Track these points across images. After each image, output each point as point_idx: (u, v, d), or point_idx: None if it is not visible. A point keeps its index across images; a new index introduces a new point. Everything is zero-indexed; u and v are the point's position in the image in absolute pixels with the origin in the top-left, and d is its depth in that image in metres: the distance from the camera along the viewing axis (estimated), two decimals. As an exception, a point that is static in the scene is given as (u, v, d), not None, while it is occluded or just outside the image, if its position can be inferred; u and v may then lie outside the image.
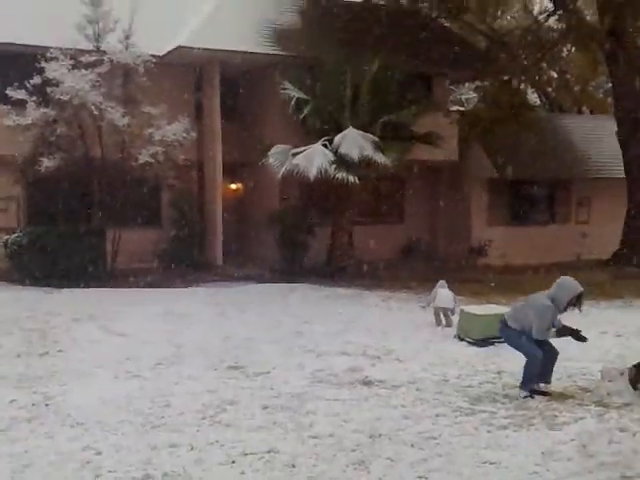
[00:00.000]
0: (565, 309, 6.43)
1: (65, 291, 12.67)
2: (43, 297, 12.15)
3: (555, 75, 27.78)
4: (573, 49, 24.07)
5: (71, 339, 8.72)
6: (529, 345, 6.51)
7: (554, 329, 6.46)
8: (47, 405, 6.02)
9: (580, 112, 28.02)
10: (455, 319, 9.55)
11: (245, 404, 6.18)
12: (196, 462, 4.82)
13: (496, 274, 15.72)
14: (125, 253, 14.66)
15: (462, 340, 8.93)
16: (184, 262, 15.31)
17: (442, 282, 10.09)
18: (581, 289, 6.43)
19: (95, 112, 13.78)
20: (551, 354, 6.58)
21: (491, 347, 8.52)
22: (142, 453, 4.94)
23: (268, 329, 9.59)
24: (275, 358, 7.89)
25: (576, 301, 6.41)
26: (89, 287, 12.95)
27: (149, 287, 13.52)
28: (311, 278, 14.55)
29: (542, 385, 6.61)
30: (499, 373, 7.33)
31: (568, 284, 6.47)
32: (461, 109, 22.08)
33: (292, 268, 15.58)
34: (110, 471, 4.62)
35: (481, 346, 8.58)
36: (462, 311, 9.26)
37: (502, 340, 8.41)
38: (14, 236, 14.14)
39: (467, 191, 19.02)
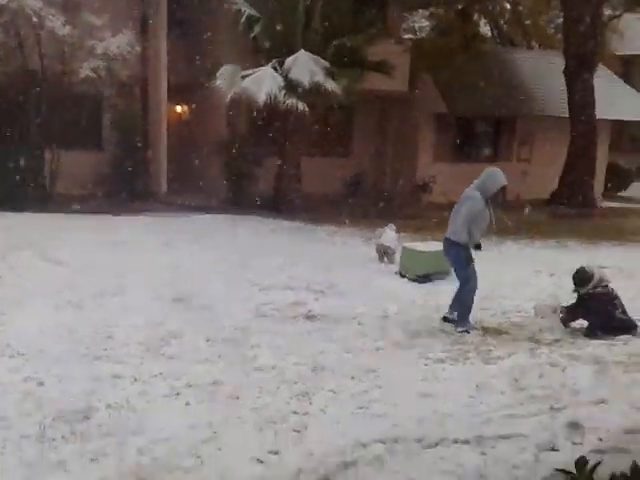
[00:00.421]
0: (488, 200, 6.69)
1: (0, 215, 12.22)
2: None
3: (508, 6, 27.53)
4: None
5: (8, 267, 8.47)
6: (470, 270, 6.74)
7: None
8: (-16, 335, 5.91)
9: (530, 47, 28.05)
10: (398, 257, 9.72)
11: (189, 337, 6.21)
12: (140, 394, 4.86)
13: (439, 211, 15.95)
14: (64, 177, 14.13)
15: (403, 277, 9.13)
16: (126, 189, 14.88)
17: (391, 225, 10.24)
18: (506, 182, 6.75)
19: (34, 19, 12.91)
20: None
21: (431, 283, 8.76)
22: (85, 384, 4.94)
23: (213, 261, 9.56)
24: (220, 291, 7.91)
25: (498, 194, 6.77)
26: (26, 211, 12.49)
27: (90, 214, 13.14)
28: (258, 210, 14.46)
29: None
30: (437, 308, 7.57)
31: (496, 174, 6.76)
32: (413, 37, 21.67)
33: (238, 199, 15.41)
34: (52, 402, 4.61)
35: (421, 282, 8.81)
36: (404, 248, 9.42)
37: (443, 277, 8.74)
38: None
39: (415, 125, 18.95)
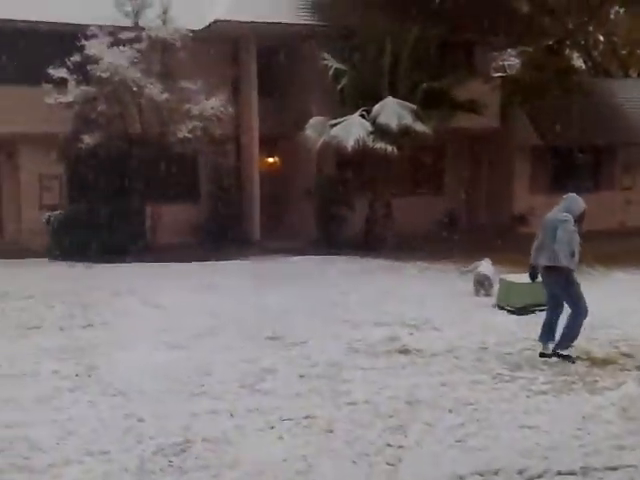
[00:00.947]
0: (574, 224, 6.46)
1: (106, 266, 12.92)
2: (84, 272, 12.43)
3: (601, 38, 26.82)
4: (621, 10, 23.16)
5: (112, 312, 8.90)
6: (579, 294, 6.42)
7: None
8: (90, 376, 6.16)
9: (627, 76, 27.08)
10: (495, 289, 9.41)
11: (283, 373, 6.23)
12: (235, 428, 4.88)
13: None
14: (164, 228, 14.88)
15: (502, 309, 8.82)
16: (222, 237, 15.43)
17: (487, 259, 10.02)
18: (585, 206, 6.65)
19: (134, 88, 13.87)
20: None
21: (531, 315, 8.39)
22: (182, 420, 5.02)
23: (305, 301, 9.62)
24: (312, 328, 7.91)
25: (583, 219, 6.59)
26: (129, 262, 13.16)
27: (187, 261, 13.68)
28: (348, 251, 14.52)
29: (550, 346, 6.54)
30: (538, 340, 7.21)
31: (577, 198, 6.69)
32: (503, 75, 21.55)
33: (329, 241, 15.56)
34: (151, 437, 4.71)
35: (520, 314, 8.46)
36: (502, 280, 9.12)
37: (542, 308, 8.33)
38: (56, 213, 14.48)
39: (509, 159, 18.65)
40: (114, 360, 6.62)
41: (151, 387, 5.81)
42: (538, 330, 7.55)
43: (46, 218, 14.53)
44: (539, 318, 8.14)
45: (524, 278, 9.02)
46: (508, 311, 8.67)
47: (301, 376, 6.14)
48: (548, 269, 6.59)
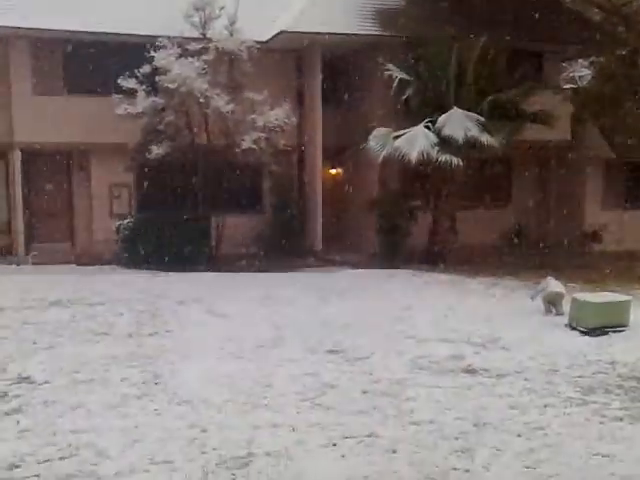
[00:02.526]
0: None
1: (172, 275, 13.17)
2: (151, 280, 12.69)
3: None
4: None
5: (178, 321, 9.04)
6: None
7: None
8: (156, 384, 6.24)
9: None
10: (566, 309, 9.07)
11: (345, 388, 6.16)
12: (297, 443, 4.84)
13: (611, 261, 14.85)
14: (228, 238, 15.06)
15: (574, 329, 8.48)
16: (284, 247, 15.51)
17: (551, 277, 9.67)
18: None
19: (201, 99, 14.12)
20: None
21: (604, 337, 8.05)
22: (245, 432, 5.02)
23: (367, 314, 9.53)
24: (375, 344, 7.81)
25: None
26: (194, 271, 13.39)
27: (251, 272, 13.81)
28: (412, 264, 14.34)
29: None
30: (612, 363, 6.93)
31: None
32: (574, 87, 20.96)
33: (392, 254, 15.40)
34: (215, 449, 4.72)
35: (594, 335, 8.12)
36: (574, 299, 8.78)
37: (616, 329, 8.00)
38: (125, 222, 14.89)
39: (580, 173, 18.05)
40: (180, 369, 6.70)
41: (215, 397, 5.84)
42: (612, 352, 7.27)
43: (116, 226, 14.95)
44: (613, 340, 7.85)
45: (598, 297, 8.74)
46: (580, 332, 8.33)
47: (364, 392, 6.06)
48: None
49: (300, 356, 7.26)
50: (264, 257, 15.21)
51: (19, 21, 14.65)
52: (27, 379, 6.29)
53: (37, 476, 4.23)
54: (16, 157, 15.64)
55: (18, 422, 5.15)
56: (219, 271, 13.70)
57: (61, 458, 4.50)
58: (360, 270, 14.04)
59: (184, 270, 13.38)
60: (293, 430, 5.10)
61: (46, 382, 6.20)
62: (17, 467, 4.36)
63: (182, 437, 4.94)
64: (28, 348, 7.44)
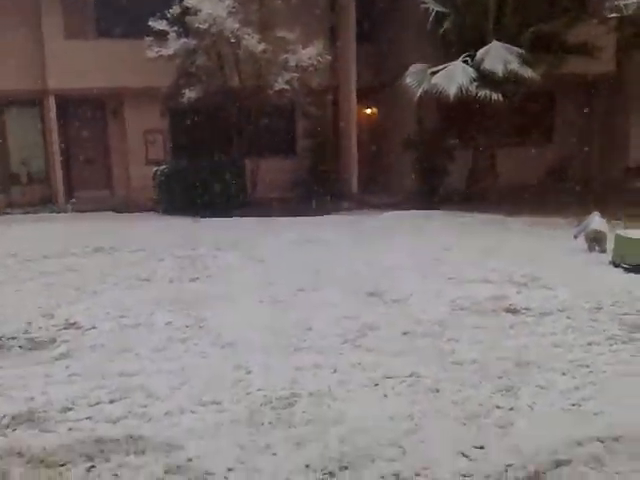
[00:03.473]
0: None
1: (209, 220, 13.26)
2: (189, 226, 12.81)
3: None
4: None
5: (217, 266, 9.13)
6: None
7: None
8: (200, 327, 6.34)
9: None
10: (610, 246, 8.88)
11: (385, 330, 6.16)
12: (339, 383, 4.88)
13: (658, 196, 14.43)
14: (263, 182, 15.05)
15: (617, 266, 8.31)
16: (320, 191, 15.44)
17: (596, 213, 9.43)
18: None
19: (232, 39, 13.87)
20: None
21: (650, 273, 7.88)
22: (288, 373, 5.08)
23: (406, 256, 9.47)
24: (414, 285, 7.77)
25: None
26: (230, 216, 13.44)
27: (287, 216, 13.80)
28: (450, 205, 14.15)
29: None
30: (659, 300, 6.76)
31: None
32: (619, 16, 19.97)
33: (430, 194, 15.21)
34: (259, 389, 4.79)
35: (638, 272, 7.94)
36: (617, 235, 8.57)
37: (664, 266, 7.79)
38: (161, 168, 14.95)
39: (625, 107, 17.38)
40: (222, 312, 6.78)
41: (257, 340, 5.91)
42: (658, 289, 7.10)
43: (152, 173, 15.04)
44: (660, 277, 7.66)
45: (643, 234, 8.51)
46: (624, 269, 8.16)
47: (404, 333, 6.05)
48: None
49: (339, 299, 7.27)
50: (300, 201, 15.19)
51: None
52: (74, 324, 6.44)
53: (89, 418, 4.37)
54: (51, 104, 15.71)
55: (67, 366, 5.30)
56: (255, 216, 13.72)
57: (111, 401, 4.62)
58: (397, 212, 13.90)
59: (220, 215, 13.46)
60: (335, 371, 5.14)
61: (93, 327, 6.34)
62: (70, 410, 4.50)
63: (227, 378, 5.02)
64: (74, 294, 7.61)
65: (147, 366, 5.26)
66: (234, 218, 13.33)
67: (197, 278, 8.44)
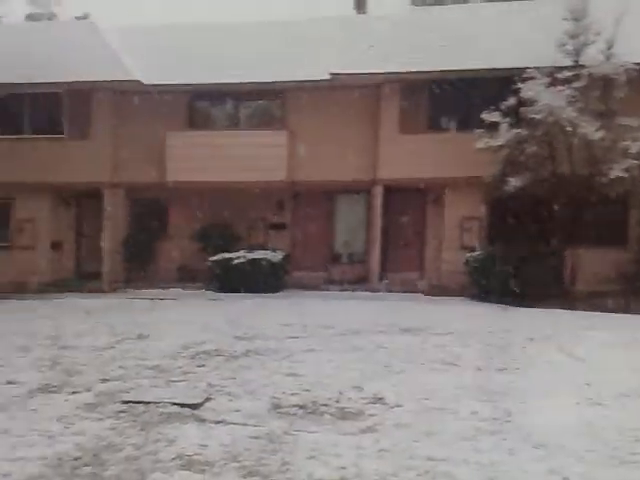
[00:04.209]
0: None
1: (520, 309, 12.74)
2: (500, 314, 12.42)
3: None
4: None
5: (527, 358, 8.58)
6: None
7: None
8: (507, 421, 5.94)
9: None
10: None
11: None
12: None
13: None
14: (583, 274, 14.05)
15: None
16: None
17: None
18: None
19: (568, 128, 13.58)
20: None
21: None
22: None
23: None
24: None
25: None
26: (544, 307, 12.73)
27: (609, 312, 12.57)
28: None
29: None
30: None
31: None
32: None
33: None
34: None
35: None
36: None
37: None
38: (474, 254, 14.95)
39: None
40: (532, 409, 6.28)
41: (573, 444, 5.30)
42: None
43: (465, 259, 15.11)
44: None
45: None
46: None
47: None
48: None
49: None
50: (626, 296, 13.74)
51: (395, 67, 15.98)
52: (381, 400, 6.55)
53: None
54: (378, 192, 16.99)
55: (377, 441, 5.33)
56: (571, 309, 12.78)
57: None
58: None
59: (534, 306, 12.90)
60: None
61: (397, 405, 6.37)
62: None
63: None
64: (382, 370, 7.79)
65: (453, 453, 5.05)
66: (547, 309, 12.56)
67: (505, 369, 8.02)
